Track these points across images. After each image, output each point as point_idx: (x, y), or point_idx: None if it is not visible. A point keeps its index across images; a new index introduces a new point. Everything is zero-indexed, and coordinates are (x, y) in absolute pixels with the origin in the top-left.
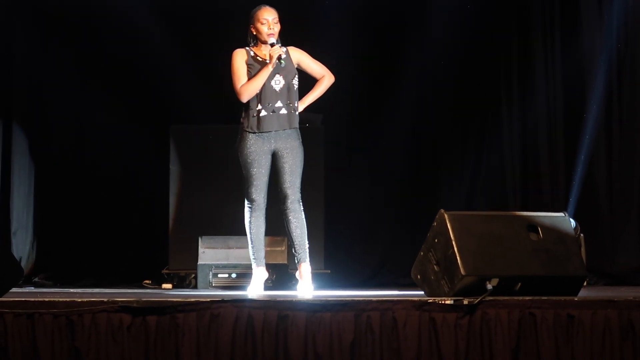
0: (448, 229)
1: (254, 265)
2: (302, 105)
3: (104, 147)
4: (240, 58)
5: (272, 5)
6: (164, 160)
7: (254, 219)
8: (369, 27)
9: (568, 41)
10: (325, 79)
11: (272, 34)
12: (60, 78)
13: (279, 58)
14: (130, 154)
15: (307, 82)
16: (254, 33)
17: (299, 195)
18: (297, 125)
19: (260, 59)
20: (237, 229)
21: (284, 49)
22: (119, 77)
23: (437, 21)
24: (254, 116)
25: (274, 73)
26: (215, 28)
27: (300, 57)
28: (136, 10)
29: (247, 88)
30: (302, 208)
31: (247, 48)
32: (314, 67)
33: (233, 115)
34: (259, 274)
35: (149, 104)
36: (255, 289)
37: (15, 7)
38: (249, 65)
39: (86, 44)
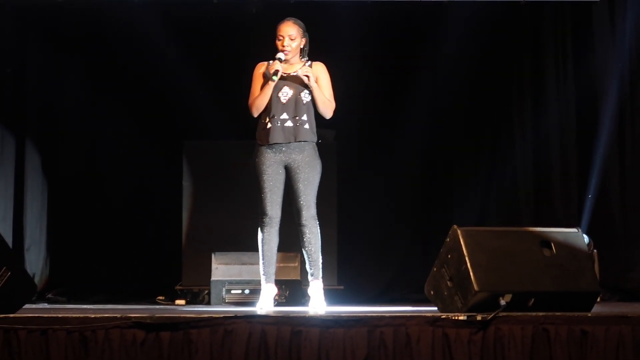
0: (461, 245)
1: (262, 281)
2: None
3: (117, 163)
4: (257, 72)
5: (282, 19)
6: (177, 176)
7: (265, 234)
8: (382, 41)
9: (580, 56)
10: (331, 102)
11: (284, 51)
12: (73, 94)
13: (274, 73)
14: (143, 170)
15: None
16: (277, 47)
17: (313, 211)
18: (308, 138)
19: (269, 72)
20: (250, 245)
21: (309, 62)
22: (132, 93)
23: (449, 36)
24: (262, 129)
25: (282, 85)
26: (229, 43)
27: (319, 74)
28: (149, 26)
29: (254, 102)
30: (317, 224)
31: (270, 61)
32: (327, 89)
33: (246, 130)
34: (268, 290)
35: (162, 119)
36: (265, 305)
37: (27, 24)
38: (265, 77)
39: (99, 60)
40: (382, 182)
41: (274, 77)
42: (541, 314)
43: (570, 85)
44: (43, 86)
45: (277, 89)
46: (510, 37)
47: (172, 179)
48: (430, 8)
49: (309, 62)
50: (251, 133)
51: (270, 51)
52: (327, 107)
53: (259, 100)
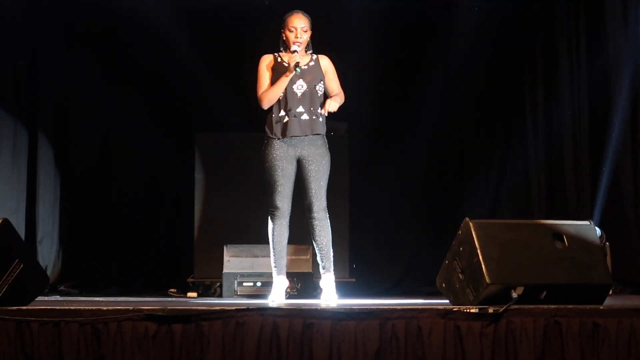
0: (473, 237)
1: (274, 274)
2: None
3: (129, 155)
4: (265, 64)
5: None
6: (189, 169)
7: (276, 226)
8: (394, 35)
9: (593, 49)
10: (337, 97)
11: (298, 42)
12: (85, 87)
13: (296, 65)
14: (155, 162)
15: None
16: (284, 38)
17: (324, 203)
18: (321, 131)
19: (286, 65)
20: (262, 237)
21: (314, 56)
22: (144, 85)
23: (462, 29)
24: (276, 122)
25: (297, 78)
26: (241, 35)
27: (328, 68)
28: (161, 19)
29: (266, 95)
30: (327, 216)
31: (276, 54)
32: (335, 82)
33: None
34: (280, 283)
35: (174, 112)
36: (277, 297)
37: (40, 17)
38: (273, 70)
39: (111, 53)
40: (393, 175)
41: (298, 70)
42: (553, 306)
43: (582, 78)
44: (55, 79)
45: (291, 82)
46: (523, 31)
47: (184, 172)
48: (441, 1)
49: (315, 56)
50: (264, 125)
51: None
52: (342, 102)
53: (273, 93)
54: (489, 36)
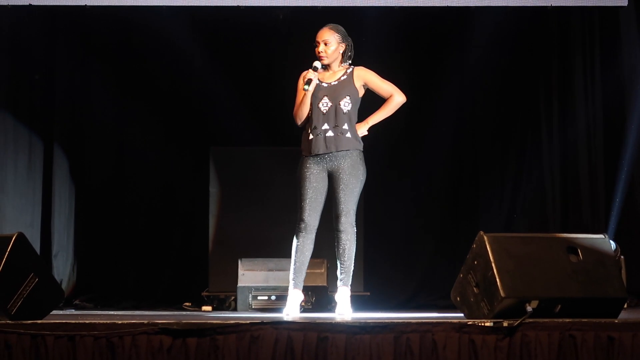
0: (487, 251)
1: (290, 287)
2: (365, 125)
3: (144, 168)
4: (301, 80)
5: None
6: (204, 182)
7: (300, 240)
8: (409, 47)
9: (607, 61)
10: (394, 98)
11: (321, 56)
12: (100, 100)
13: (307, 83)
14: (170, 175)
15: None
16: None
17: (352, 218)
18: (350, 147)
19: (318, 81)
20: (277, 251)
21: (349, 69)
22: (160, 98)
23: (476, 42)
24: (306, 139)
25: (322, 95)
26: (256, 49)
27: (366, 77)
28: (177, 32)
29: (295, 112)
30: (355, 231)
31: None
32: (382, 85)
33: (274, 137)
34: (295, 296)
35: (189, 125)
36: (291, 311)
37: (56, 30)
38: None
39: (127, 66)
40: (408, 188)
41: (306, 87)
42: (568, 320)
43: (597, 90)
44: (71, 92)
45: (317, 99)
46: (538, 43)
47: (199, 185)
48: (457, 14)
49: (350, 69)
50: (279, 139)
51: (298, 56)
52: (399, 106)
53: (298, 110)
54: (504, 49)
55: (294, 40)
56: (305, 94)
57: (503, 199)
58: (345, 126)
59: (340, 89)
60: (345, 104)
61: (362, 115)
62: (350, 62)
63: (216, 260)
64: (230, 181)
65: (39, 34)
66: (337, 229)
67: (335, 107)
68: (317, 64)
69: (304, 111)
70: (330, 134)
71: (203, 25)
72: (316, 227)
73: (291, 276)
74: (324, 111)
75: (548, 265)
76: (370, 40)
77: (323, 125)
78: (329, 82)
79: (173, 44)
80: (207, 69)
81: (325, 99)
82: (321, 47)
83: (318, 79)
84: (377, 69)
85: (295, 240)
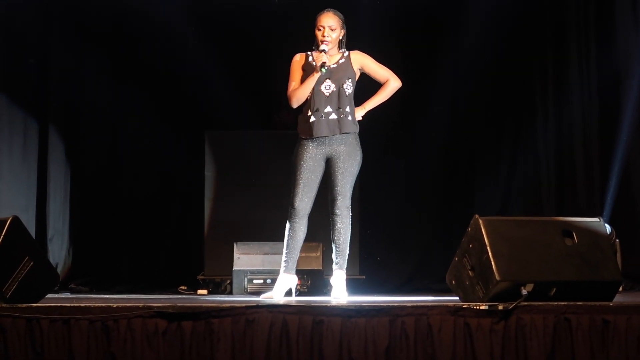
0: (483, 235)
1: (281, 270)
2: (362, 110)
3: (139, 152)
4: (297, 63)
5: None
6: (199, 166)
7: (293, 224)
8: (403, 31)
9: (603, 46)
10: (390, 82)
11: (325, 41)
12: (95, 84)
13: (322, 66)
14: (165, 159)
15: (371, 86)
16: (316, 37)
17: (348, 202)
18: (350, 130)
19: (316, 64)
20: (272, 234)
21: (345, 53)
22: (154, 82)
23: (471, 26)
24: (305, 122)
25: (325, 78)
26: (251, 33)
27: (363, 61)
28: (171, 17)
29: (295, 94)
30: (350, 215)
31: (308, 52)
32: (379, 70)
33: (268, 121)
34: (285, 280)
35: (184, 109)
36: (275, 294)
37: (51, 14)
38: (304, 69)
39: (121, 51)
40: (403, 172)
41: (323, 70)
42: (563, 303)
43: (592, 74)
44: (66, 76)
45: (319, 81)
46: (532, 27)
47: (194, 169)
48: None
49: (346, 53)
50: (273, 123)
51: (294, 40)
52: (395, 91)
53: (301, 92)
54: (499, 32)
55: (290, 23)
56: (312, 76)
57: (498, 183)
58: (347, 109)
59: (341, 72)
60: (348, 87)
61: (355, 99)
62: (344, 48)
63: (212, 243)
64: (226, 165)
65: (33, 18)
66: (332, 212)
67: (339, 90)
68: (324, 47)
69: (305, 93)
70: (333, 116)
71: (197, 10)
72: (309, 211)
73: (283, 260)
74: (327, 94)
75: (543, 249)
76: (364, 24)
77: (326, 107)
78: (328, 64)
79: (168, 29)
80: (202, 52)
81: (328, 82)
82: (327, 32)
83: (316, 63)
84: (372, 52)
85: (287, 224)
